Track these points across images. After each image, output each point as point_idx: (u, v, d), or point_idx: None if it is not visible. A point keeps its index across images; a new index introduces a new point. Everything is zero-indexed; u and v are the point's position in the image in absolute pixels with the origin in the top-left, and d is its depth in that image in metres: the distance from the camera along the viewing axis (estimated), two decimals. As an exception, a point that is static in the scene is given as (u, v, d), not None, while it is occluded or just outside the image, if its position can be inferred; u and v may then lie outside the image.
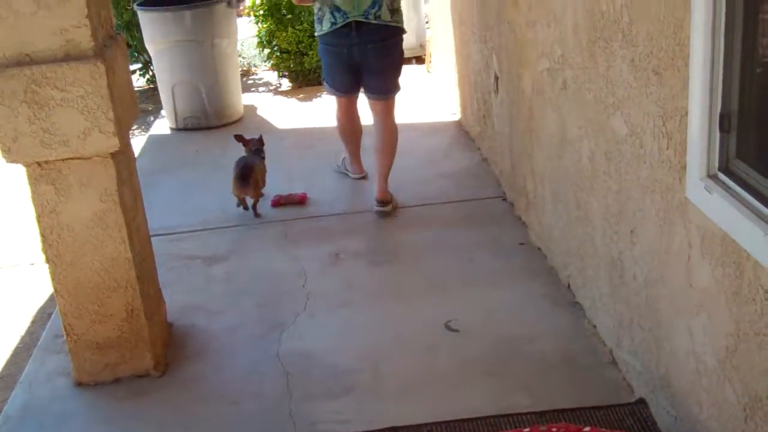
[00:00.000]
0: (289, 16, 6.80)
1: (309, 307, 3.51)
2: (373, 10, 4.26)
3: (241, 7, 6.38)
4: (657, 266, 2.53)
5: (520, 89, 3.95)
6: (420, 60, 7.90)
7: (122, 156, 2.93)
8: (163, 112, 6.34)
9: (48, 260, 2.96)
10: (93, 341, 3.06)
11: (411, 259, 3.87)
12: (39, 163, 2.81)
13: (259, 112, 6.39)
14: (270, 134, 5.51)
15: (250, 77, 7.87)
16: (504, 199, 4.43)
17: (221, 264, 3.99)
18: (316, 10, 4.44)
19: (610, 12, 2.69)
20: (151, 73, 7.42)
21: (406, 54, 7.85)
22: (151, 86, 7.70)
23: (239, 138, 4.74)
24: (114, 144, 2.79)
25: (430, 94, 6.62)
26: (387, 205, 4.41)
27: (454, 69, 5.95)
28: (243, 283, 3.78)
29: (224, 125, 6.11)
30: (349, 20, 4.27)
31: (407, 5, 7.78)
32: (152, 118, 6.76)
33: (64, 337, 3.07)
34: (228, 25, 6.01)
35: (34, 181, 2.84)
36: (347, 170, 5.00)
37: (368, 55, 4.39)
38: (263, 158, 4.68)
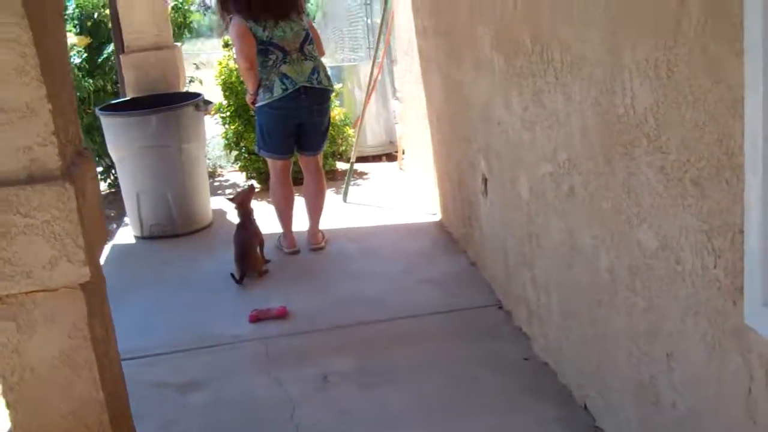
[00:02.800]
0: (257, 116, 6.57)
1: (300, 441, 3.17)
2: (314, 76, 5.03)
3: (209, 109, 6.14)
4: (706, 396, 2.25)
5: (515, 193, 3.72)
6: (391, 157, 7.74)
7: (92, 285, 2.61)
8: (126, 219, 6.02)
9: (8, 406, 2.59)
10: (60, 496, 2.68)
11: (406, 381, 3.55)
12: (-1, 298, 2.48)
13: (229, 217, 6.09)
14: (242, 242, 5.24)
15: (216, 179, 7.61)
16: (500, 308, 4.15)
17: (198, 392, 3.63)
18: (262, 81, 5.01)
19: (630, 115, 2.48)
20: (113, 177, 7.13)
21: (377, 151, 7.76)
22: (112, 190, 7.40)
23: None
24: (84, 274, 2.47)
25: (405, 192, 6.42)
26: (321, 243, 5.34)
27: (431, 168, 5.74)
28: (223, 415, 3.42)
29: (192, 232, 5.81)
30: (298, 86, 4.96)
31: (376, 102, 7.66)
32: (115, 226, 6.42)
33: (26, 493, 2.68)
34: (196, 128, 5.76)
35: (-8, 317, 2.50)
36: (281, 245, 5.35)
37: (313, 115, 5.13)
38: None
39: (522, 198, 3.63)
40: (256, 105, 5.12)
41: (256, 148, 5.39)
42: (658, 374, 2.52)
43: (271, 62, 4.94)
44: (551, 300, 3.42)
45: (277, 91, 4.95)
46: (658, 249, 2.41)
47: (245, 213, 5.07)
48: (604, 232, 2.80)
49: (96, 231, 2.62)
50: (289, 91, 4.94)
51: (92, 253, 2.53)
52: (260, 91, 5.04)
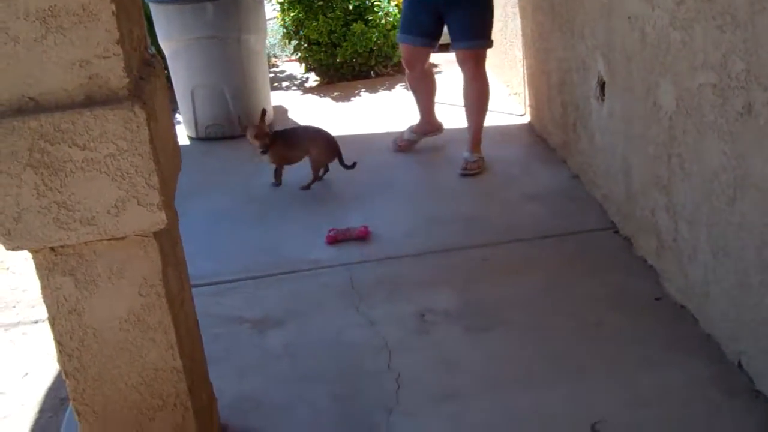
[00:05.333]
0: (320, 2, 5.93)
1: (402, 399, 2.70)
2: None
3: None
4: None
5: (650, 102, 3.12)
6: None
7: (167, 230, 2.10)
8: (179, 116, 5.49)
9: (67, 374, 2.14)
10: (131, 476, 2.26)
11: (520, 323, 3.05)
12: (53, 249, 1.98)
13: (290, 116, 5.55)
14: (309, 146, 4.70)
15: (271, 69, 7.02)
16: (616, 232, 3.60)
17: (277, 331, 3.17)
18: None
19: None
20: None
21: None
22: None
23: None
24: (159, 220, 1.97)
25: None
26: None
27: (518, 63, 5.11)
28: (309, 361, 2.97)
29: (253, 134, 5.27)
30: None
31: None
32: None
33: (91, 472, 2.26)
34: (257, 18, 5.15)
35: (46, 271, 2.02)
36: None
37: None
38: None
39: (662, 110, 3.03)
40: None
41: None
42: None
43: None
44: (698, 235, 2.86)
45: None
46: None
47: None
48: (798, 165, 2.23)
49: (171, 164, 2.11)
50: None
51: (168, 192, 2.03)
52: None
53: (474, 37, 4.38)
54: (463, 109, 4.55)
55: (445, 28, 4.50)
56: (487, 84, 4.52)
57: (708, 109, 2.67)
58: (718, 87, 2.59)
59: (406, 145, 4.81)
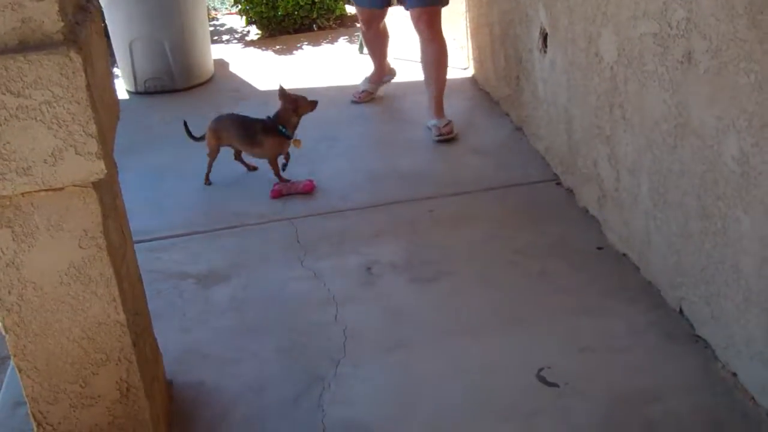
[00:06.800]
0: (260, -47, 5.83)
1: (350, 350, 2.70)
2: None
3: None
4: None
5: (592, 53, 3.13)
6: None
7: (106, 180, 2.05)
8: (117, 70, 5.36)
9: (7, 330, 2.09)
10: None
11: (466, 274, 3.07)
12: (-12, 200, 1.93)
13: (232, 69, 5.46)
14: (251, 99, 4.67)
15: (210, 23, 6.89)
16: (558, 184, 3.64)
17: (222, 285, 3.14)
18: None
19: (805, -35, 1.89)
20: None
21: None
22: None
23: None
24: (97, 170, 1.92)
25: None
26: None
27: (462, 15, 5.08)
28: (255, 314, 2.95)
29: (193, 87, 5.18)
30: None
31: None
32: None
33: (34, 427, 2.22)
34: (195, -34, 5.04)
35: (-19, 224, 1.96)
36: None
37: None
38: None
39: (604, 60, 3.04)
40: None
41: None
42: (813, 294, 2.05)
43: None
44: (639, 184, 2.90)
45: None
46: (837, 143, 1.88)
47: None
48: (736, 112, 2.25)
49: (107, 111, 2.06)
50: None
51: (106, 142, 1.98)
52: None
53: None
54: (421, 70, 4.44)
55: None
56: (445, 45, 4.34)
57: (649, 58, 2.69)
58: (659, 36, 2.60)
59: (365, 95, 4.77)
